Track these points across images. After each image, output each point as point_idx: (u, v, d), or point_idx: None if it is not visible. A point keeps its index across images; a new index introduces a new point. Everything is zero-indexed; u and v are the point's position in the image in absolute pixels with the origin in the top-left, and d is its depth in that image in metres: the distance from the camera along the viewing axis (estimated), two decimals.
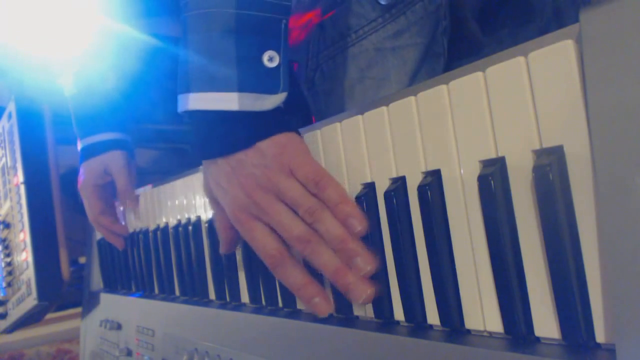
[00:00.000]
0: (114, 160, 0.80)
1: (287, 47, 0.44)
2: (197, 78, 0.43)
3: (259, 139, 0.43)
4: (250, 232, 0.45)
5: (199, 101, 0.43)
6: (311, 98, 0.74)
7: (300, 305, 0.48)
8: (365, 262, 0.40)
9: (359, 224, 0.40)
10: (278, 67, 0.44)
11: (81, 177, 0.82)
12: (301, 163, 0.43)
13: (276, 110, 0.44)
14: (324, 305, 0.43)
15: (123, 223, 0.84)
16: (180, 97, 0.45)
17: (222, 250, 0.51)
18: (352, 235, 0.41)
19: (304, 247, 0.42)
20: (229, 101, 0.42)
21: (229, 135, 0.44)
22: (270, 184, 0.43)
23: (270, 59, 0.43)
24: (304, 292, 0.43)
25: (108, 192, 0.83)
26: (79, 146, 0.83)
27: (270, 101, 0.44)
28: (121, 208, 0.84)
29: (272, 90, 0.44)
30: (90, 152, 0.81)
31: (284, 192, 0.43)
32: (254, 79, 0.43)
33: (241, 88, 0.42)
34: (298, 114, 0.46)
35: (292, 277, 0.44)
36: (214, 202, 0.49)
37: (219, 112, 0.43)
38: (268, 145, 0.43)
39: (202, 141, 0.46)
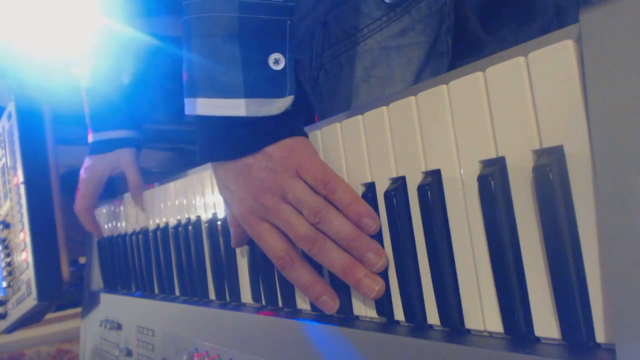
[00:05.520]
0: (125, 157, 0.83)
1: (293, 49, 0.44)
2: (204, 83, 0.43)
3: (266, 143, 0.43)
4: (259, 234, 0.45)
5: (206, 107, 0.43)
6: (315, 98, 0.74)
7: (300, 305, 0.48)
8: (378, 257, 0.40)
9: (373, 223, 0.40)
10: (284, 69, 0.43)
11: (87, 169, 0.84)
12: (309, 165, 0.43)
13: (283, 114, 0.44)
14: (331, 303, 0.43)
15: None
16: (187, 101, 0.44)
17: (233, 244, 0.52)
18: (362, 235, 0.41)
19: (311, 246, 0.42)
20: (236, 107, 0.42)
21: (236, 140, 0.44)
22: (275, 186, 0.43)
23: (276, 62, 0.43)
24: (312, 291, 0.44)
25: (103, 190, 0.86)
26: (90, 139, 0.85)
27: (277, 105, 0.43)
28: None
29: (279, 94, 0.43)
30: (101, 147, 0.83)
31: (290, 193, 0.43)
32: (260, 84, 0.42)
33: (248, 94, 0.42)
34: (301, 115, 0.46)
35: (301, 277, 0.44)
36: (224, 198, 0.50)
37: (226, 118, 0.43)
38: (275, 149, 0.43)
39: (209, 144, 0.46)
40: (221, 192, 0.48)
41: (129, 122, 0.85)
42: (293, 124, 0.45)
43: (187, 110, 0.45)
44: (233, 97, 0.42)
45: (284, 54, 0.43)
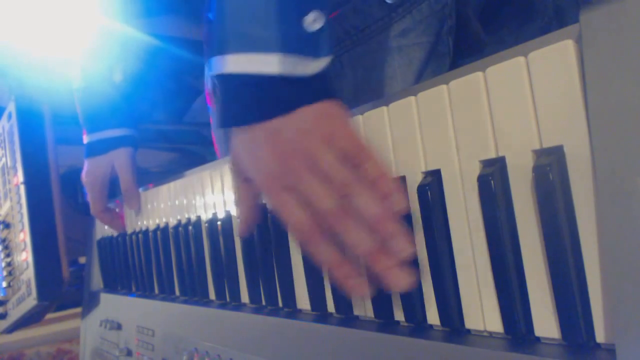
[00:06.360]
0: (119, 158, 0.82)
1: (330, 9, 0.42)
2: (235, 38, 0.40)
3: (299, 105, 0.40)
4: (282, 204, 0.41)
5: (236, 63, 0.40)
6: None
7: (300, 305, 0.48)
8: (403, 245, 0.36)
9: (399, 202, 0.37)
10: (322, 29, 0.40)
11: (87, 173, 0.83)
12: (342, 133, 0.40)
13: (319, 76, 0.41)
14: (361, 286, 0.39)
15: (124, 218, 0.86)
16: (214, 60, 0.41)
17: (240, 232, 0.49)
18: (390, 215, 0.37)
19: (337, 221, 0.38)
20: (269, 63, 0.39)
21: (267, 100, 0.41)
22: (306, 152, 0.40)
23: (314, 20, 0.40)
24: (338, 270, 0.39)
25: (111, 187, 0.85)
26: (85, 140, 0.83)
27: (313, 66, 0.40)
28: (124, 205, 0.85)
29: (316, 54, 0.40)
30: (97, 148, 0.82)
31: (320, 161, 0.39)
32: (296, 41, 0.40)
33: (283, 49, 0.39)
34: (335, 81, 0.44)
35: (326, 253, 0.39)
36: (239, 176, 0.47)
37: (257, 76, 0.40)
38: (309, 112, 0.40)
39: (236, 106, 0.42)
40: (243, 161, 0.44)
41: (123, 120, 0.83)
42: (328, 87, 0.42)
43: (214, 70, 0.41)
44: (267, 52, 0.39)
45: (322, 12, 0.41)
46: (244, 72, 0.40)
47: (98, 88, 0.82)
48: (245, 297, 0.55)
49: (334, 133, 0.40)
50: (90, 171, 0.83)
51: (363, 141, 0.40)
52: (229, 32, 0.40)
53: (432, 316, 0.37)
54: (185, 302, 0.65)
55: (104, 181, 0.83)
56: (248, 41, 0.40)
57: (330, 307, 0.45)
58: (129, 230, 0.83)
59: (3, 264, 1.01)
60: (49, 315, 1.05)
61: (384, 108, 0.40)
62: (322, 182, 0.39)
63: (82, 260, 1.08)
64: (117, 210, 0.87)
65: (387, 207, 0.37)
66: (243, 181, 0.46)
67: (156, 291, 0.74)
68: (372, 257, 0.37)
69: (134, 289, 0.81)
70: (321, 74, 0.41)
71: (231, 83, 0.42)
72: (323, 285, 0.45)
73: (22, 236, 0.91)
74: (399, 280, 0.36)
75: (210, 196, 0.60)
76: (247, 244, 0.53)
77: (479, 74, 0.33)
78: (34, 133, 0.94)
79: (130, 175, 0.81)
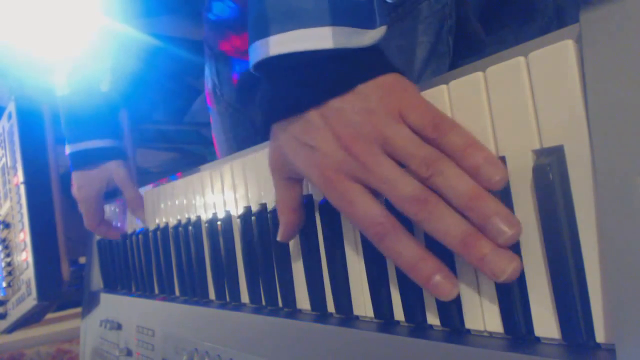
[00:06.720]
0: (118, 171, 0.79)
1: None
2: (278, 16, 0.36)
3: (359, 80, 0.36)
4: (348, 196, 0.35)
5: (282, 44, 0.35)
6: None
7: (300, 305, 0.48)
8: (507, 224, 0.30)
9: (496, 173, 0.31)
10: None
11: (80, 188, 0.80)
12: (413, 105, 0.35)
13: (375, 47, 0.37)
14: (448, 285, 0.32)
15: (119, 224, 0.85)
16: (256, 45, 0.37)
17: (281, 237, 0.43)
18: (485, 190, 0.31)
19: (420, 209, 0.32)
20: (320, 38, 0.35)
21: (321, 80, 0.36)
22: (375, 132, 0.35)
23: None
24: (422, 268, 0.33)
25: (104, 198, 0.83)
26: (68, 150, 0.79)
27: (369, 36, 0.36)
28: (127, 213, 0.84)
29: (369, 24, 0.36)
30: (87, 160, 0.78)
31: (393, 140, 0.34)
32: (347, 11, 0.35)
33: (334, 20, 0.35)
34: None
35: (407, 249, 0.34)
36: (280, 176, 0.42)
37: (308, 53, 0.35)
38: (371, 87, 0.35)
39: (285, 93, 0.38)
40: (290, 156, 0.39)
41: (111, 130, 0.80)
42: (387, 59, 0.38)
43: (256, 57, 0.37)
44: (317, 26, 0.35)
45: None
46: (293, 51, 0.35)
47: (85, 96, 0.78)
48: (245, 297, 0.55)
49: (404, 107, 0.35)
50: (84, 187, 0.79)
51: (440, 111, 0.35)
52: (269, 11, 0.36)
53: (432, 316, 0.37)
54: (185, 302, 0.65)
55: (99, 195, 0.80)
56: (294, 17, 0.35)
57: (330, 307, 0.45)
58: (129, 230, 0.83)
59: (3, 264, 1.01)
60: (49, 315, 1.05)
61: None
62: (396, 165, 0.34)
63: (82, 260, 1.08)
64: (116, 210, 0.87)
65: (483, 180, 0.31)
66: (284, 180, 0.42)
67: (156, 291, 0.74)
68: (468, 243, 0.31)
69: (134, 289, 0.82)
70: (377, 45, 0.37)
71: (278, 68, 0.37)
72: (323, 285, 0.45)
73: (22, 236, 0.91)
74: (504, 266, 0.30)
75: (210, 196, 0.60)
76: (247, 244, 0.53)
77: (479, 74, 0.33)
78: (34, 133, 0.95)
79: (133, 188, 0.79)
